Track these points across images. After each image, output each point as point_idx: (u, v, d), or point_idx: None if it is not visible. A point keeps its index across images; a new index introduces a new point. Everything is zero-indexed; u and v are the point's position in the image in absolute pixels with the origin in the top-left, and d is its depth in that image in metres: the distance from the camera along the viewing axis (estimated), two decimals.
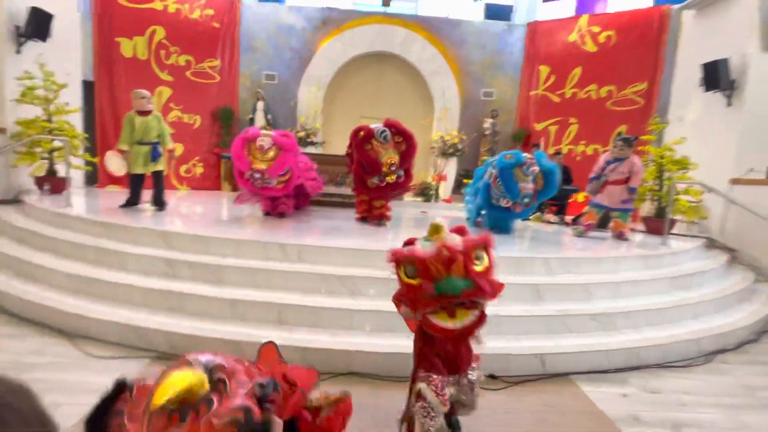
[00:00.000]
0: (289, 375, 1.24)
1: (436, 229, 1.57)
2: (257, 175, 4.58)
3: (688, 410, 2.45)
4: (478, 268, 1.54)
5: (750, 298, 4.42)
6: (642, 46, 8.15)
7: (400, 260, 1.60)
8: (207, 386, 0.93)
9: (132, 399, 1.02)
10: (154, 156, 4.96)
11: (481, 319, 1.61)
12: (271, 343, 1.58)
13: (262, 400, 0.97)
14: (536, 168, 4.88)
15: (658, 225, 5.86)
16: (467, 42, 9.31)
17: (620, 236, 5.27)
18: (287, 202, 5.26)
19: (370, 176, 4.80)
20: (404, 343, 2.51)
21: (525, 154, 5.03)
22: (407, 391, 1.86)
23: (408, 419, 1.80)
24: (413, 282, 1.54)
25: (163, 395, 0.88)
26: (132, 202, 5.06)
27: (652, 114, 7.41)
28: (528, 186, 4.85)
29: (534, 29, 9.20)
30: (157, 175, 5.11)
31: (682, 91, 7.52)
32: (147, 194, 5.18)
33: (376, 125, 4.82)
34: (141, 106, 4.86)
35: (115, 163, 5.05)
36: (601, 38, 8.52)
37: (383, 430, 2.04)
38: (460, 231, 1.71)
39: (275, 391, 1.03)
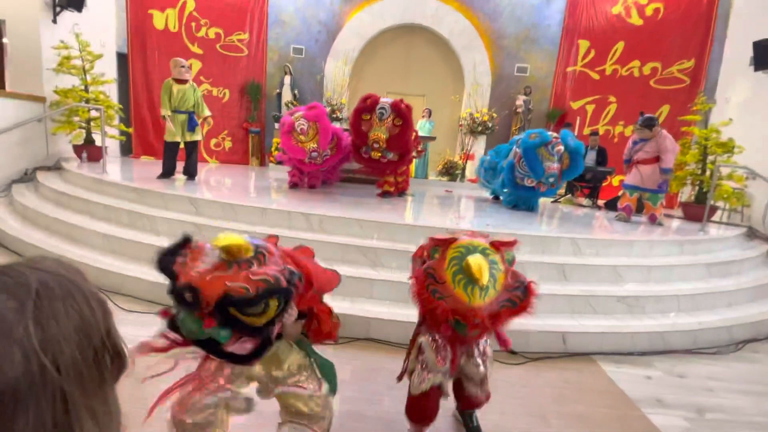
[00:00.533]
0: (313, 276, 1.34)
1: (473, 275, 1.34)
2: (314, 154, 4.81)
3: (713, 395, 2.36)
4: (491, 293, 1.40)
5: None
6: (690, 21, 7.56)
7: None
8: (251, 253, 1.18)
9: (194, 247, 1.27)
10: (192, 125, 5.01)
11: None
12: (308, 248, 1.77)
13: (288, 282, 1.19)
14: (561, 147, 4.72)
15: (697, 211, 5.56)
16: (502, 14, 8.90)
17: (652, 219, 5.04)
18: (317, 174, 5.44)
19: (360, 145, 4.94)
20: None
21: (551, 133, 4.87)
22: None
23: (404, 375, 1.76)
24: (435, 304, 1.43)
25: (222, 241, 1.14)
26: (168, 173, 5.13)
27: (698, 92, 6.93)
28: (553, 166, 4.73)
29: (575, 0, 8.68)
30: (193, 145, 5.15)
31: (731, 70, 6.98)
32: (180, 166, 5.28)
33: (386, 99, 4.85)
34: (180, 74, 4.89)
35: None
36: (648, 11, 7.94)
37: (396, 392, 2.07)
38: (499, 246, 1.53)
39: (300, 281, 1.24)
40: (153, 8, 7.98)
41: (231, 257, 1.15)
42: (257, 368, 1.40)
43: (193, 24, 8.33)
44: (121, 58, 7.99)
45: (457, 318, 1.36)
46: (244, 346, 1.21)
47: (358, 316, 2.63)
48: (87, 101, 6.17)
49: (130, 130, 7.59)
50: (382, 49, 9.33)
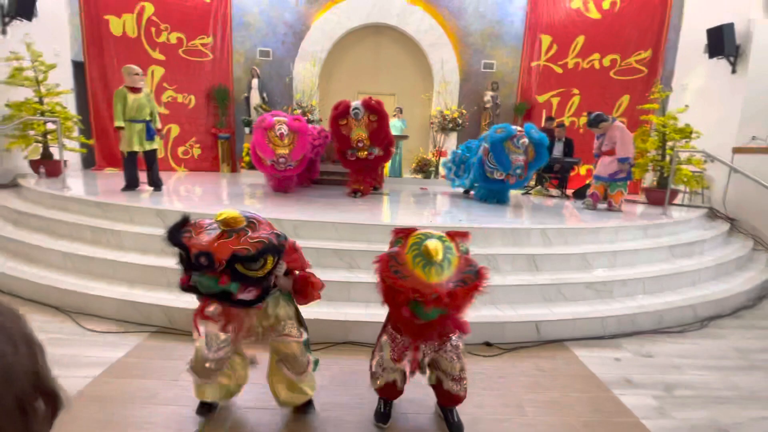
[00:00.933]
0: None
1: (429, 254, 1.47)
2: (282, 160, 4.90)
3: (681, 372, 2.48)
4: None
5: (747, 266, 4.43)
6: (646, 12, 7.89)
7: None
8: (245, 222, 1.50)
9: (194, 224, 1.56)
10: (150, 134, 4.86)
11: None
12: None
13: (278, 241, 1.53)
14: (526, 140, 4.96)
15: (659, 195, 5.81)
16: (466, 11, 9.02)
17: (609, 206, 5.30)
18: (293, 179, 5.59)
19: (344, 149, 5.23)
20: None
21: (515, 127, 5.06)
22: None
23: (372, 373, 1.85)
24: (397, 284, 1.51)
25: (221, 215, 1.46)
26: (132, 185, 4.97)
27: (654, 81, 7.23)
28: (519, 158, 4.97)
29: None
30: (152, 154, 5.00)
31: (687, 58, 7.32)
32: (143, 176, 5.13)
33: (355, 102, 5.12)
34: (133, 82, 4.71)
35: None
36: (605, 4, 8.23)
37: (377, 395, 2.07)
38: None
39: (285, 240, 1.61)
40: (109, 14, 7.69)
41: (229, 227, 1.47)
42: (255, 321, 1.74)
43: (153, 29, 8.07)
44: (78, 67, 7.67)
45: (416, 297, 1.45)
46: (249, 294, 1.55)
47: (336, 320, 2.62)
48: (42, 114, 5.90)
49: (91, 141, 7.30)
50: (350, 50, 9.30)
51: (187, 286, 1.55)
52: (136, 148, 4.82)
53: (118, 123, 4.69)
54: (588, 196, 5.54)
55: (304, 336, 1.84)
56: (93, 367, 2.18)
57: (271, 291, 1.69)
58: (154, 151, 5.00)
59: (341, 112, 5.08)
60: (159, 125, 5.06)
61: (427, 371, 1.80)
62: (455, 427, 1.82)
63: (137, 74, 4.73)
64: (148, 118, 4.83)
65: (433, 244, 1.47)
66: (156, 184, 5.07)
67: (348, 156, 5.29)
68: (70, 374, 2.10)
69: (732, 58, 6.20)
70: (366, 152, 5.15)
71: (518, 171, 5.04)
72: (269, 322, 1.77)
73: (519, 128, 5.08)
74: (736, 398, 2.21)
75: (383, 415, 1.89)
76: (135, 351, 2.38)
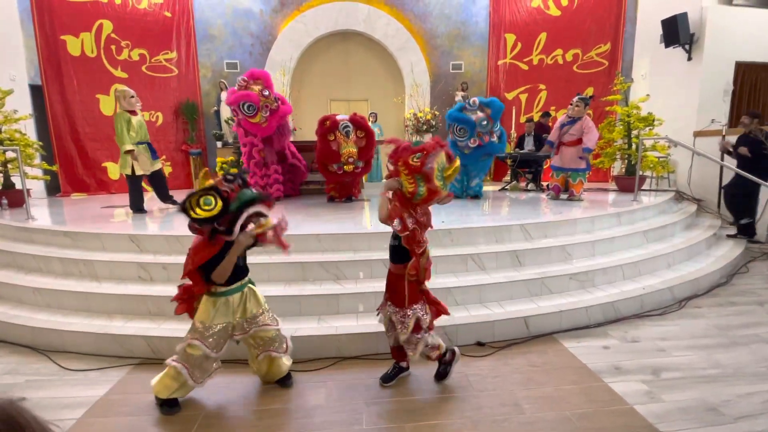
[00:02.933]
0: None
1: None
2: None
3: (666, 355, 2.55)
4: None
5: (717, 244, 4.63)
6: (603, 7, 8.18)
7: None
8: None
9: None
10: (154, 154, 4.96)
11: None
12: None
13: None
14: (476, 99, 5.51)
15: (628, 182, 6.02)
16: (432, 14, 9.14)
17: (571, 195, 5.45)
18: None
19: (330, 163, 5.42)
20: None
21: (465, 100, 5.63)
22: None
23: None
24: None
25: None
26: (140, 206, 4.96)
27: (616, 73, 7.49)
28: (478, 114, 5.35)
29: None
30: (159, 173, 5.07)
31: (644, 49, 7.63)
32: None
33: (342, 117, 5.34)
34: (131, 105, 4.71)
35: (144, 162, 4.90)
36: (564, 1, 8.49)
37: (375, 407, 2.05)
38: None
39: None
40: (66, 33, 7.41)
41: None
42: (237, 316, 2.07)
43: (113, 47, 7.82)
44: (36, 90, 7.35)
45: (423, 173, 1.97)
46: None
47: (326, 335, 2.57)
48: (0, 142, 5.61)
49: (55, 167, 6.99)
50: (319, 57, 9.27)
51: (226, 213, 1.85)
52: (146, 169, 4.89)
53: (128, 146, 4.62)
54: (550, 189, 5.75)
55: (279, 323, 2.19)
56: (75, 408, 2.07)
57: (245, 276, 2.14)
58: (160, 170, 5.07)
59: (330, 127, 5.26)
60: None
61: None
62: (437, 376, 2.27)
63: (133, 97, 4.71)
64: (147, 140, 4.89)
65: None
66: (172, 199, 5.22)
67: (333, 169, 5.43)
68: (51, 418, 1.97)
69: (687, 46, 6.50)
70: (353, 166, 5.37)
71: (483, 122, 5.33)
72: (248, 315, 2.09)
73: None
74: (722, 376, 2.30)
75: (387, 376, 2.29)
76: (118, 387, 2.27)
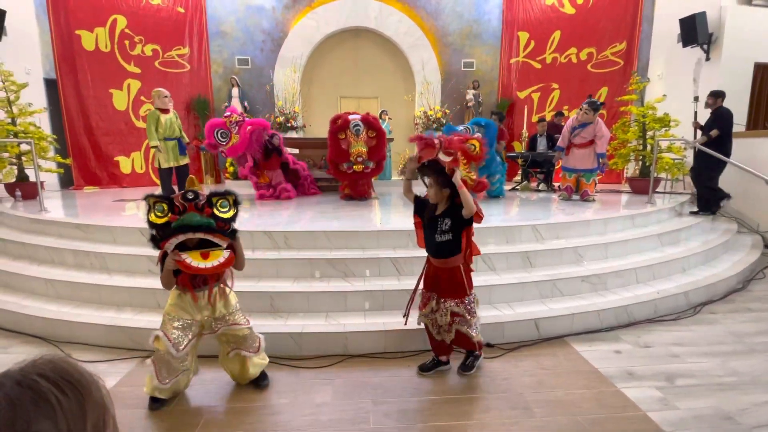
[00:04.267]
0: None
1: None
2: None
3: (680, 361, 2.49)
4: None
5: (734, 249, 4.52)
6: (619, 5, 8.04)
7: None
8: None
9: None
10: (182, 150, 5.30)
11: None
12: None
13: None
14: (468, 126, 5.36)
15: (642, 184, 5.91)
16: (444, 12, 9.07)
17: (585, 195, 5.41)
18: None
19: (340, 162, 5.39)
20: (398, 320, 2.50)
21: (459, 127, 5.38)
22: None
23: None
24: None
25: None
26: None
27: (632, 72, 7.36)
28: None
29: None
30: (185, 168, 5.38)
31: (661, 48, 7.48)
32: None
33: (353, 116, 5.31)
34: (164, 104, 5.13)
35: (164, 158, 5.28)
36: (579, 0, 8.36)
37: (382, 407, 2.03)
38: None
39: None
40: (80, 29, 7.49)
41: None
42: (205, 314, 2.03)
43: (127, 42, 7.89)
44: (51, 85, 7.45)
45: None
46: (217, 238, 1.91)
47: (334, 332, 2.56)
48: (15, 135, 5.70)
49: (68, 160, 7.09)
50: (330, 54, 9.25)
51: (168, 229, 1.82)
52: (171, 164, 5.25)
53: (154, 143, 5.06)
54: (562, 189, 5.70)
55: (251, 322, 2.14)
56: None
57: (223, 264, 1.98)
58: (186, 165, 5.42)
59: (341, 126, 5.25)
60: (187, 140, 5.50)
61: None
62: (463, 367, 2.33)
63: (166, 96, 5.15)
64: (179, 135, 5.25)
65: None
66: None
67: (343, 168, 5.40)
68: None
69: (705, 46, 6.35)
70: (362, 166, 5.33)
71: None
72: (217, 315, 2.05)
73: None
74: (738, 384, 2.23)
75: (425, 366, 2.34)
76: (127, 379, 2.28)
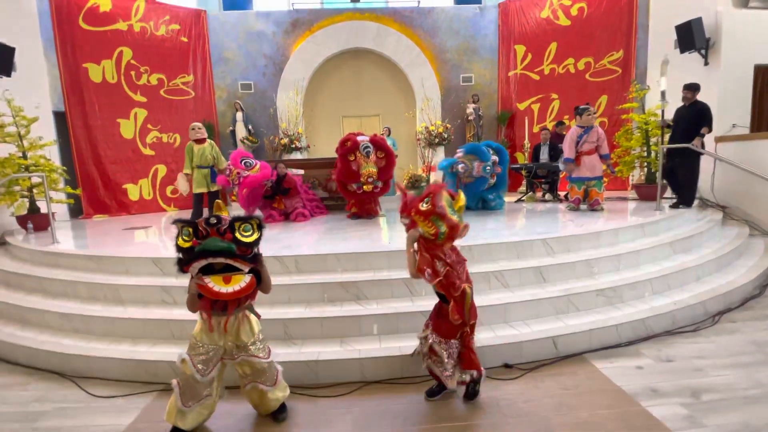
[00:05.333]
0: None
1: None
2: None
3: (704, 375, 2.45)
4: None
5: (747, 253, 4.46)
6: (614, 15, 8.15)
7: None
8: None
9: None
10: (213, 177, 5.72)
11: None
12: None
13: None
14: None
15: (649, 191, 5.89)
16: (441, 29, 9.23)
17: (596, 204, 5.40)
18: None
19: (349, 183, 5.49)
20: (413, 343, 2.47)
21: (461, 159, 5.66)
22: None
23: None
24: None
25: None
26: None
27: (631, 81, 7.41)
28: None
29: (506, 9, 9.16)
30: (216, 193, 5.82)
31: (658, 55, 7.51)
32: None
33: (362, 138, 5.45)
34: (196, 135, 5.65)
35: (182, 184, 5.87)
36: (573, 11, 8.49)
37: None
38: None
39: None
40: (88, 62, 7.68)
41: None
42: (228, 339, 2.03)
43: (133, 72, 8.08)
44: (59, 117, 7.60)
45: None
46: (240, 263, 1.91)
47: (350, 359, 2.54)
48: (27, 168, 5.79)
49: (78, 191, 7.18)
50: (331, 75, 9.41)
51: (192, 253, 1.85)
52: (202, 189, 5.72)
53: (187, 170, 5.66)
54: (570, 200, 5.69)
55: (271, 356, 2.14)
56: None
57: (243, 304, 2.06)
58: (217, 191, 5.87)
59: (350, 148, 5.36)
60: (223, 166, 5.81)
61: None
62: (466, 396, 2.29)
63: (199, 128, 5.71)
64: (212, 164, 5.70)
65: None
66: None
67: (352, 188, 5.50)
68: None
69: (703, 51, 6.40)
70: (371, 186, 5.42)
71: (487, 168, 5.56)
72: (239, 342, 2.05)
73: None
74: (764, 396, 2.19)
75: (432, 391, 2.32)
76: (144, 415, 2.27)
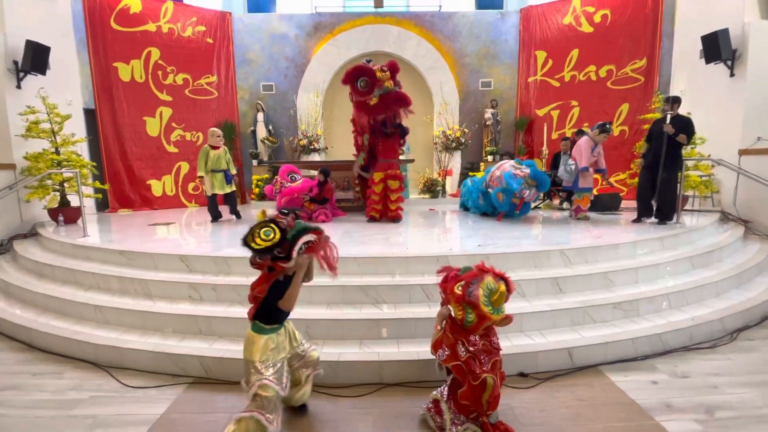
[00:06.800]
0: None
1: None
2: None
3: (719, 392, 2.46)
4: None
5: None
6: (638, 23, 8.07)
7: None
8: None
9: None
10: (228, 179, 6.09)
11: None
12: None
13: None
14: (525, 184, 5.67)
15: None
16: (461, 34, 9.26)
17: (579, 211, 5.79)
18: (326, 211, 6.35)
19: (361, 135, 5.70)
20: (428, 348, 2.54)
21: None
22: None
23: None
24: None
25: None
26: (216, 217, 6.18)
27: (654, 91, 7.33)
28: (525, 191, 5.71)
29: (527, 15, 9.14)
30: (231, 195, 6.23)
31: (683, 65, 7.44)
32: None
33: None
34: (216, 142, 6.01)
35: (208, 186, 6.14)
36: (597, 18, 8.43)
37: None
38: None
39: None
40: (118, 61, 7.96)
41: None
42: (288, 347, 2.18)
43: (160, 72, 8.33)
44: (89, 114, 7.89)
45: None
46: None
47: (369, 361, 2.63)
48: (59, 163, 6.05)
49: (106, 186, 7.45)
50: None
51: (283, 240, 1.97)
52: (218, 191, 6.09)
53: (201, 173, 5.94)
54: (582, 211, 5.84)
55: (312, 346, 2.38)
56: (137, 426, 2.21)
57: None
58: (232, 192, 6.23)
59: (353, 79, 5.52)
60: (234, 171, 6.22)
61: None
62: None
63: (218, 136, 6.06)
64: (225, 168, 6.05)
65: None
66: (237, 214, 6.33)
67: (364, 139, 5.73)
68: None
69: (729, 62, 6.30)
70: (376, 99, 5.34)
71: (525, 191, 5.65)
72: (296, 345, 2.25)
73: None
74: None
75: None
76: (176, 406, 2.40)
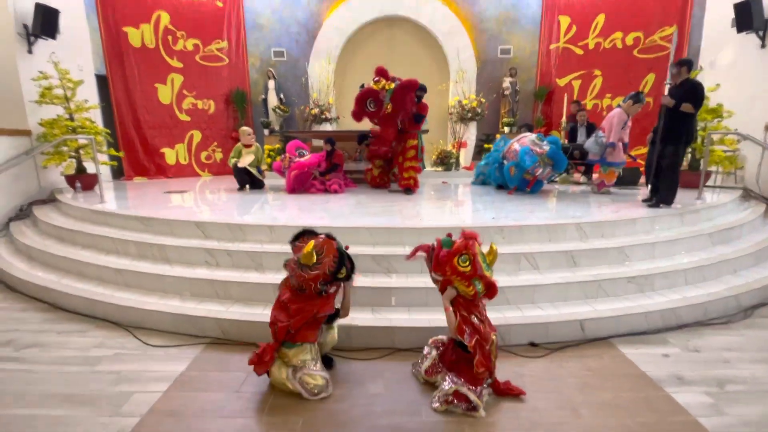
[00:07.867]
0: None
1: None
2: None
3: (731, 367, 2.46)
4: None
5: None
6: None
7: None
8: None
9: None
10: (258, 171, 6.41)
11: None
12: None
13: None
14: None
15: (691, 178, 5.68)
16: None
17: (602, 186, 5.70)
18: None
19: (387, 144, 5.80)
20: (440, 317, 2.57)
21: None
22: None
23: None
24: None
25: (306, 250, 2.18)
26: (244, 184, 6.36)
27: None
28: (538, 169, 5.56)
29: None
30: (261, 183, 6.48)
31: (714, 33, 7.03)
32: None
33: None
34: (247, 141, 6.27)
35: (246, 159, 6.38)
36: None
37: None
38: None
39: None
40: (127, 25, 7.82)
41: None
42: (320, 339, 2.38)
43: (170, 37, 8.19)
44: (101, 80, 7.85)
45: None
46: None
47: (381, 326, 2.68)
48: (74, 130, 6.08)
49: (121, 154, 7.50)
50: (364, 45, 9.24)
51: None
52: (245, 164, 6.24)
53: (231, 162, 6.28)
54: (605, 186, 5.72)
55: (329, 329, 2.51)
56: (159, 382, 2.31)
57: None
58: (261, 181, 6.50)
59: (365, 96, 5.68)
60: (265, 166, 6.55)
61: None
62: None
63: (250, 135, 6.32)
64: (256, 165, 6.31)
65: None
66: (260, 185, 6.52)
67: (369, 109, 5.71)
68: (141, 389, 2.23)
69: (761, 32, 5.94)
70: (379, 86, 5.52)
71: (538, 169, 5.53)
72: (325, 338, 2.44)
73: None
74: None
75: None
76: (195, 364, 2.50)
